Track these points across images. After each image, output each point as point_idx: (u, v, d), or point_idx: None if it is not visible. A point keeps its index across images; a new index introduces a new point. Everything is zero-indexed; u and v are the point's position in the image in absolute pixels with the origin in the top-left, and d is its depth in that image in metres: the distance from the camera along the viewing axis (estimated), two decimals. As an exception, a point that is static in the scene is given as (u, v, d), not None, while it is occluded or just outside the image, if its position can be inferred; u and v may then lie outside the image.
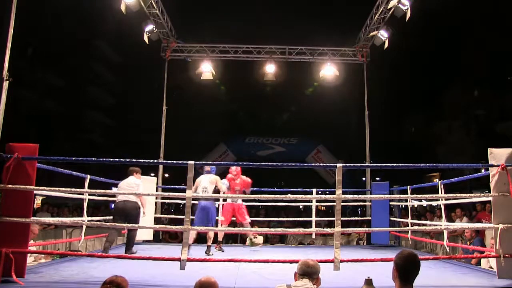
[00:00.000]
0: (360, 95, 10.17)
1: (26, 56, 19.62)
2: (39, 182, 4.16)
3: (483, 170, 5.32)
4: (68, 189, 4.76)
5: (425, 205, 12.16)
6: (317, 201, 8.65)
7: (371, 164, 9.61)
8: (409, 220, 6.81)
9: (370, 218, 8.31)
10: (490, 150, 4.39)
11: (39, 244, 6.25)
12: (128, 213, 5.82)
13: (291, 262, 4.15)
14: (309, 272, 2.72)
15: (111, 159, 4.60)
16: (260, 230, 8.15)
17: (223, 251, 6.59)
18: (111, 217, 7.14)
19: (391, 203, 7.95)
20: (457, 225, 6.94)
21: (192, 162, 4.21)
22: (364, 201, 8.85)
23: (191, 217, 4.25)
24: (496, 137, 19.23)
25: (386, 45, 9.32)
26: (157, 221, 7.99)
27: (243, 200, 6.70)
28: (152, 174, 9.48)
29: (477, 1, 19.33)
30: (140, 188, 5.97)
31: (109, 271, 4.41)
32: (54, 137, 19.67)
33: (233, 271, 4.53)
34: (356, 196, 6.92)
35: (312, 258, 2.91)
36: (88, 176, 5.43)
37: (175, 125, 10.84)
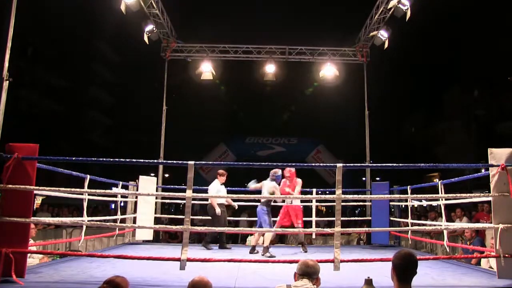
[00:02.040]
0: (360, 95, 10.17)
1: (26, 56, 19.63)
2: (39, 182, 4.16)
3: (483, 170, 5.31)
4: (68, 189, 4.76)
5: (425, 205, 12.16)
6: (317, 201, 8.65)
7: (371, 164, 9.60)
8: (409, 220, 6.81)
9: (370, 218, 8.31)
10: (490, 150, 4.38)
11: (39, 244, 6.25)
12: (208, 213, 7.04)
13: (291, 262, 4.15)
14: (308, 272, 2.72)
15: (111, 159, 4.60)
16: (260, 230, 8.15)
17: (306, 252, 6.57)
18: (112, 217, 7.17)
19: (391, 203, 7.95)
20: (457, 225, 6.94)
21: (192, 162, 4.21)
22: (364, 201, 8.85)
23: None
24: (496, 137, 19.25)
25: (386, 45, 9.32)
26: (157, 221, 7.99)
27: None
28: (152, 174, 9.49)
29: (477, 1, 19.35)
30: (209, 191, 6.87)
31: (109, 271, 4.42)
32: (54, 137, 19.67)
33: (233, 271, 4.53)
34: (356, 196, 6.91)
35: (312, 258, 2.90)
36: (88, 176, 5.42)
37: (175, 125, 10.85)
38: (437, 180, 8.44)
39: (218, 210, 6.84)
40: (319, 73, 10.34)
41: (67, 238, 8.83)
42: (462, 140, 22.44)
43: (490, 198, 4.40)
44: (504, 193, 4.20)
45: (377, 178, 14.95)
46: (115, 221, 6.88)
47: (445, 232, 5.64)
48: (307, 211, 9.37)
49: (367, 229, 8.04)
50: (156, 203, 8.25)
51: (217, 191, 6.93)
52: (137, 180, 7.51)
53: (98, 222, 6.42)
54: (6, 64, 4.32)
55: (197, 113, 22.76)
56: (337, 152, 17.82)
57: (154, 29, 9.33)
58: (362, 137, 9.94)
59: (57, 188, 4.60)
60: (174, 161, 4.63)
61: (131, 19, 8.86)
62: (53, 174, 5.15)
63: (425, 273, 4.55)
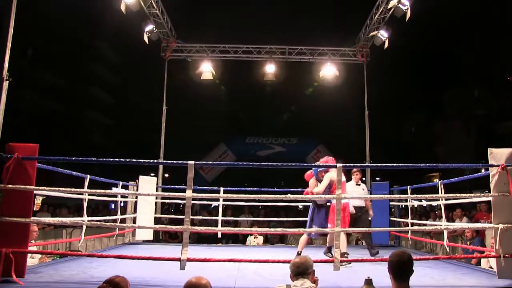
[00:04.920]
0: (360, 95, 10.18)
1: (26, 56, 19.62)
2: (39, 182, 4.15)
3: (483, 170, 5.31)
4: (68, 189, 4.76)
5: (425, 205, 12.16)
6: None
7: (371, 164, 9.60)
8: (409, 220, 6.81)
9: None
10: (490, 150, 4.38)
11: (39, 244, 6.25)
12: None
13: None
14: (300, 271, 2.75)
15: (111, 159, 4.60)
16: (260, 230, 8.16)
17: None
18: (112, 217, 7.16)
19: (391, 203, 7.95)
20: (457, 225, 6.94)
21: (192, 162, 4.20)
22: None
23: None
24: (496, 137, 19.24)
25: (386, 45, 9.32)
26: (157, 221, 7.99)
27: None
28: (152, 174, 9.48)
29: (477, 1, 19.34)
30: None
31: (109, 271, 4.42)
32: (54, 137, 19.65)
33: (233, 271, 4.53)
34: (356, 196, 6.92)
35: (312, 258, 2.89)
36: (88, 176, 5.42)
37: (175, 125, 10.85)
38: (437, 180, 8.44)
39: (371, 213, 6.63)
40: (319, 73, 10.34)
41: (67, 238, 8.83)
42: (462, 140, 22.43)
43: (490, 198, 4.41)
44: (504, 193, 4.20)
45: (377, 178, 14.93)
46: (115, 221, 6.89)
47: (445, 232, 5.64)
48: (307, 211, 9.33)
49: (367, 229, 8.02)
50: (156, 203, 8.26)
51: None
52: (137, 180, 7.52)
53: (98, 222, 6.42)
54: (6, 64, 4.33)
55: (197, 113, 22.73)
56: (337, 152, 17.78)
57: (154, 29, 9.33)
58: (362, 137, 9.95)
59: (57, 188, 4.60)
60: (174, 161, 4.63)
61: (131, 19, 8.87)
62: (53, 174, 5.15)
63: (425, 273, 4.55)
